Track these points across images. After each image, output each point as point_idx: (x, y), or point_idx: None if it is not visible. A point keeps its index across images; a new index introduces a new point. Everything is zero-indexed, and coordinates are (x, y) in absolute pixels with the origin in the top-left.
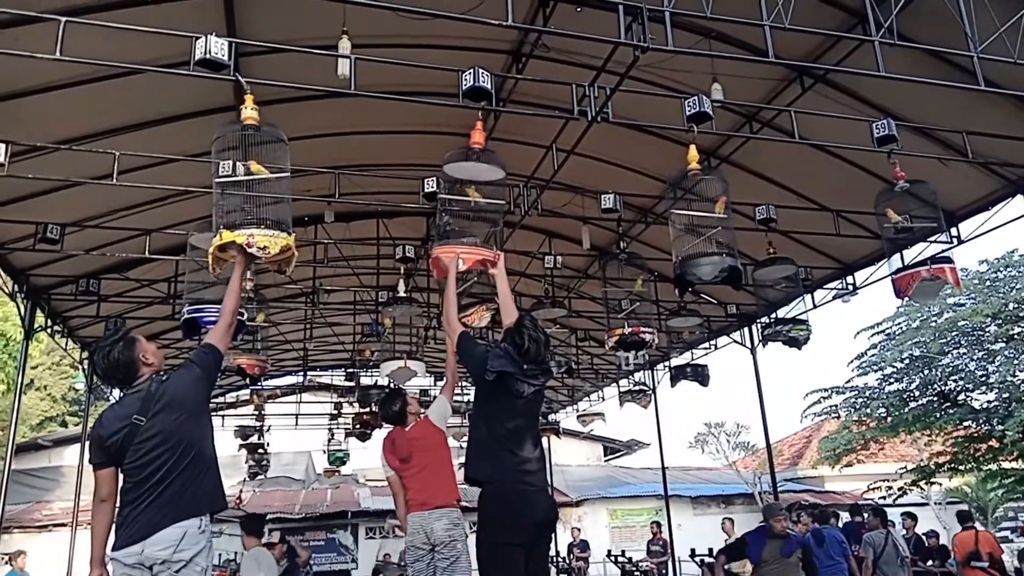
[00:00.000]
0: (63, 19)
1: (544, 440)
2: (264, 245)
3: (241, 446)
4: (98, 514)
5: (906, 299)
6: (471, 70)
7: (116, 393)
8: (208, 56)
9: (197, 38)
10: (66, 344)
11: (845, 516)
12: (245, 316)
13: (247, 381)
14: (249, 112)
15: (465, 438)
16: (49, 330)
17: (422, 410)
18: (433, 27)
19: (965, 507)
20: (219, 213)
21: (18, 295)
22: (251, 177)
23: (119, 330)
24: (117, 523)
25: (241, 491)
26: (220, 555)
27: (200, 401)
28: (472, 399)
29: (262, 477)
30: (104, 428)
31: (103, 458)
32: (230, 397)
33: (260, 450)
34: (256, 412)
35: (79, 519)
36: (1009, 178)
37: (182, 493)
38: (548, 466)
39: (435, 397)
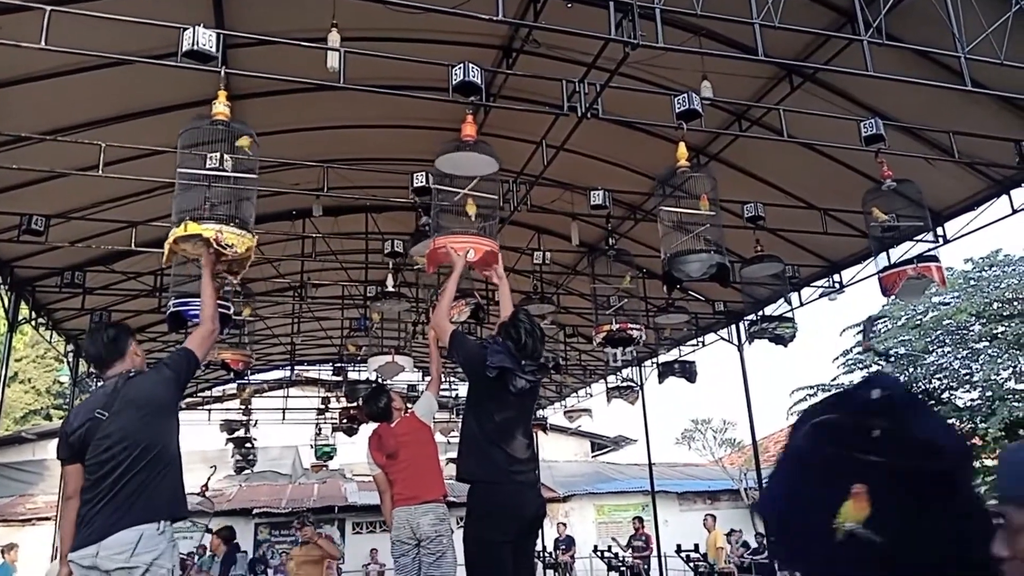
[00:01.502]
0: (48, 8)
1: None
2: (232, 243)
3: (229, 440)
4: (66, 511)
5: (892, 297)
6: (461, 65)
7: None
8: (196, 47)
9: (185, 29)
10: (51, 337)
11: None
12: (231, 310)
13: (232, 375)
14: (221, 108)
15: (452, 433)
16: (33, 322)
17: (408, 405)
18: (423, 21)
19: None
20: (179, 208)
21: (2, 287)
22: (216, 173)
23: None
24: (77, 522)
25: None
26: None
27: (166, 403)
28: (465, 395)
29: (248, 472)
30: (70, 423)
31: (67, 453)
32: (217, 391)
33: (247, 444)
34: (243, 406)
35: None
36: (994, 178)
37: (139, 494)
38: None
39: (422, 393)
